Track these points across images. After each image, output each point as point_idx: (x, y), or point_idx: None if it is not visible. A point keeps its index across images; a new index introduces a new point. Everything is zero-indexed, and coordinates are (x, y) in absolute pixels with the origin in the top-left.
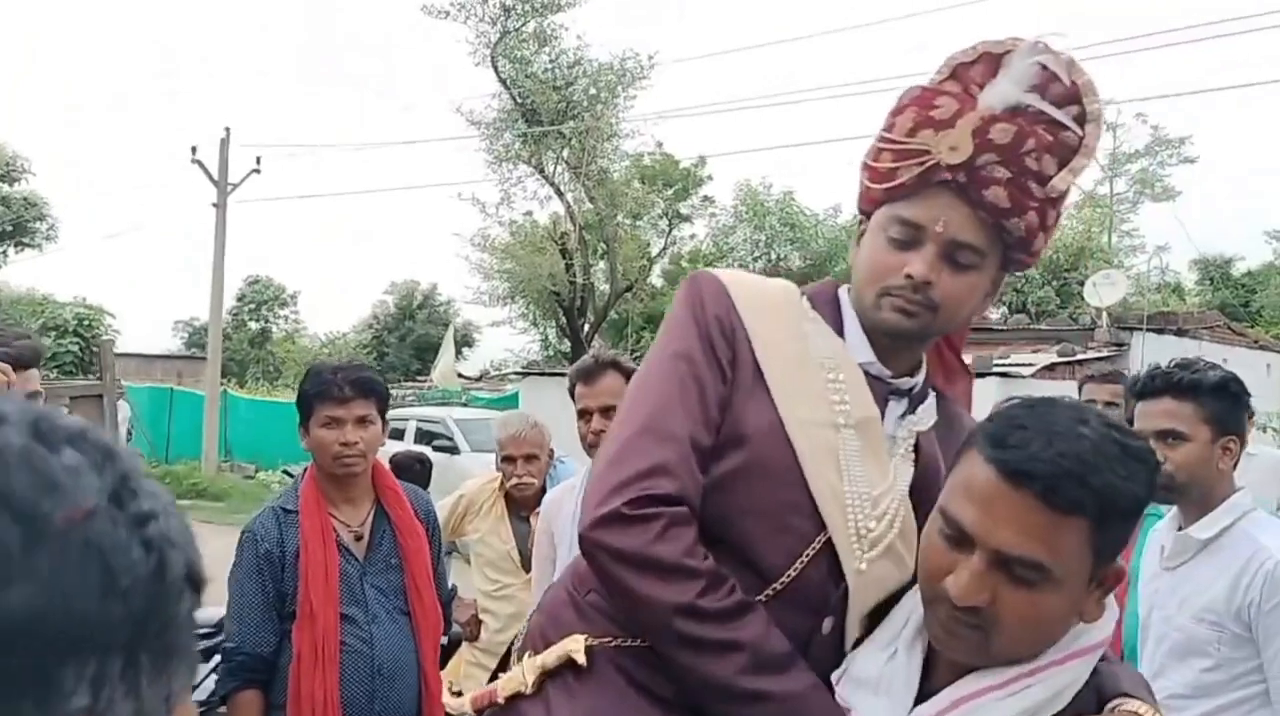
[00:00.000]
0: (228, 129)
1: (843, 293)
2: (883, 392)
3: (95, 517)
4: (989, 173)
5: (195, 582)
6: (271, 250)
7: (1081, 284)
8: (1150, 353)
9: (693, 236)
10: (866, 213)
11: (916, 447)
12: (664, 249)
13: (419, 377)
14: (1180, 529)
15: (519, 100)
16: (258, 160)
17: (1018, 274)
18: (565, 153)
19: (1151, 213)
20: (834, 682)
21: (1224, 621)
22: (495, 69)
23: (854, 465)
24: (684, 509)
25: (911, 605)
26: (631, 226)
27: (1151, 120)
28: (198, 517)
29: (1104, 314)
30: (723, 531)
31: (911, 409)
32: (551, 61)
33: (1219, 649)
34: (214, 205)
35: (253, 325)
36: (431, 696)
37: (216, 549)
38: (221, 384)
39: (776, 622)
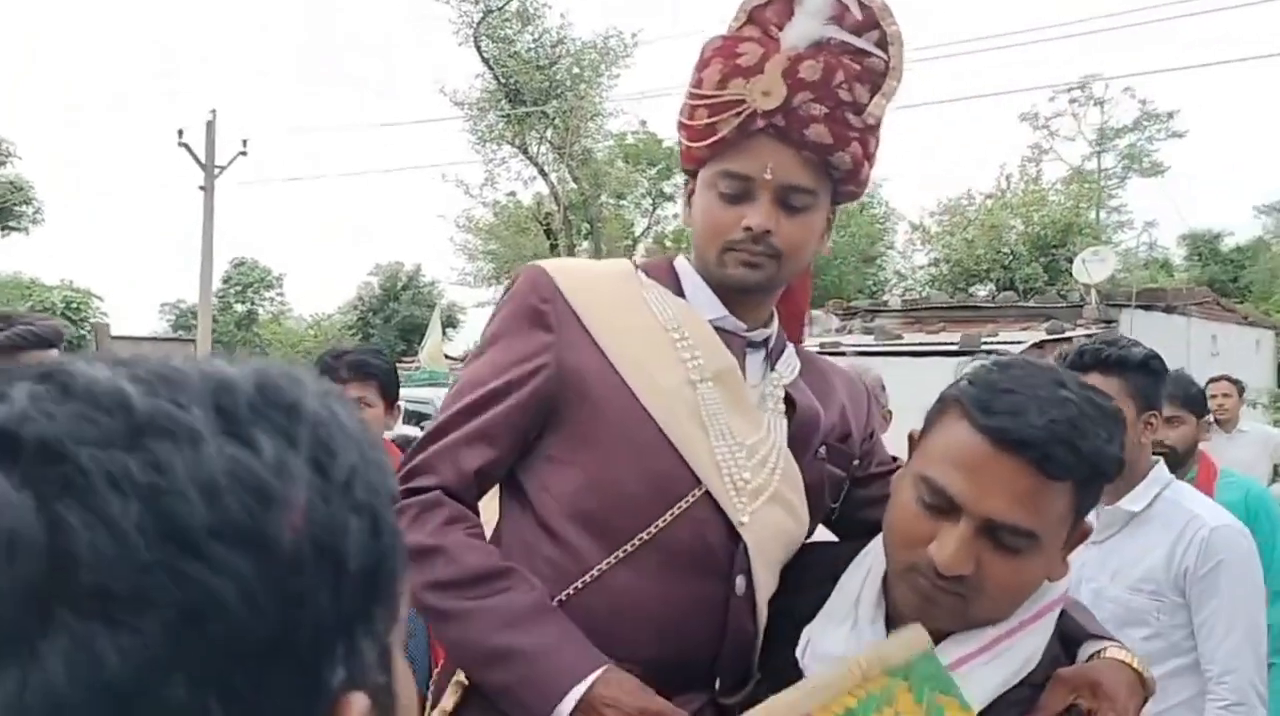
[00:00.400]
0: (214, 112)
1: (680, 261)
2: (739, 346)
3: (312, 510)
4: (806, 111)
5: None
6: (257, 233)
7: (1070, 261)
8: (1139, 329)
9: (676, 215)
10: (691, 172)
11: (789, 401)
12: (648, 228)
13: (405, 359)
14: (1105, 503)
15: (502, 80)
16: (244, 143)
17: (1005, 251)
18: (549, 133)
19: (1140, 188)
20: (799, 659)
21: (1163, 590)
22: (478, 48)
23: (719, 418)
24: (433, 494)
25: (864, 571)
26: (615, 206)
27: (1139, 94)
28: None
29: (1092, 291)
30: (599, 505)
31: (771, 364)
32: (535, 41)
33: (1158, 617)
34: (201, 188)
35: (239, 307)
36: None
37: None
38: None
39: (685, 590)
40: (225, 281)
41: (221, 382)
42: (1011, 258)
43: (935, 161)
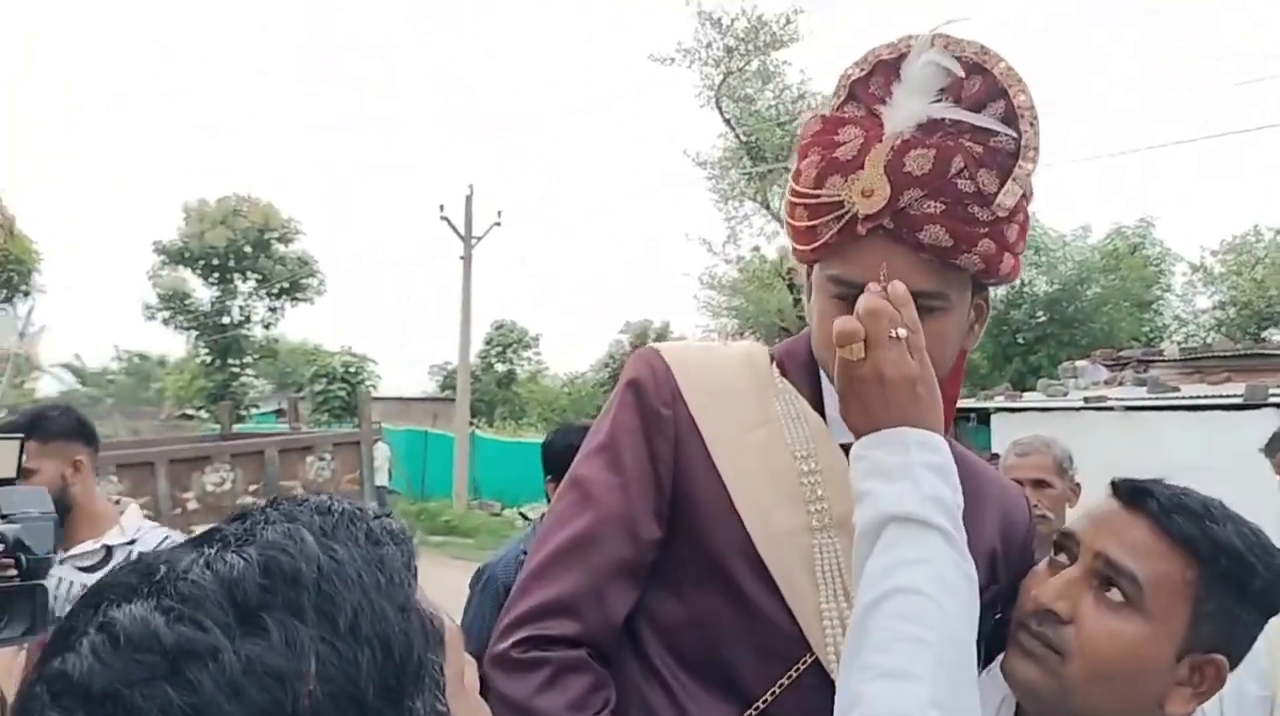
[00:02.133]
0: (471, 187)
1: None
2: None
3: (323, 668)
4: (918, 210)
5: (408, 606)
6: (516, 295)
7: None
8: None
9: None
10: (805, 264)
11: None
12: None
13: None
14: None
15: (743, 139)
16: (499, 214)
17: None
18: None
19: None
20: None
21: None
22: (719, 109)
23: (839, 575)
24: (578, 653)
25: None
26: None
27: None
28: (450, 553)
29: None
30: (702, 649)
31: None
32: (775, 98)
33: None
34: (461, 258)
35: (499, 367)
36: None
37: (464, 584)
38: (471, 424)
39: None
40: (487, 342)
41: (233, 581)
42: None
43: (1214, 197)
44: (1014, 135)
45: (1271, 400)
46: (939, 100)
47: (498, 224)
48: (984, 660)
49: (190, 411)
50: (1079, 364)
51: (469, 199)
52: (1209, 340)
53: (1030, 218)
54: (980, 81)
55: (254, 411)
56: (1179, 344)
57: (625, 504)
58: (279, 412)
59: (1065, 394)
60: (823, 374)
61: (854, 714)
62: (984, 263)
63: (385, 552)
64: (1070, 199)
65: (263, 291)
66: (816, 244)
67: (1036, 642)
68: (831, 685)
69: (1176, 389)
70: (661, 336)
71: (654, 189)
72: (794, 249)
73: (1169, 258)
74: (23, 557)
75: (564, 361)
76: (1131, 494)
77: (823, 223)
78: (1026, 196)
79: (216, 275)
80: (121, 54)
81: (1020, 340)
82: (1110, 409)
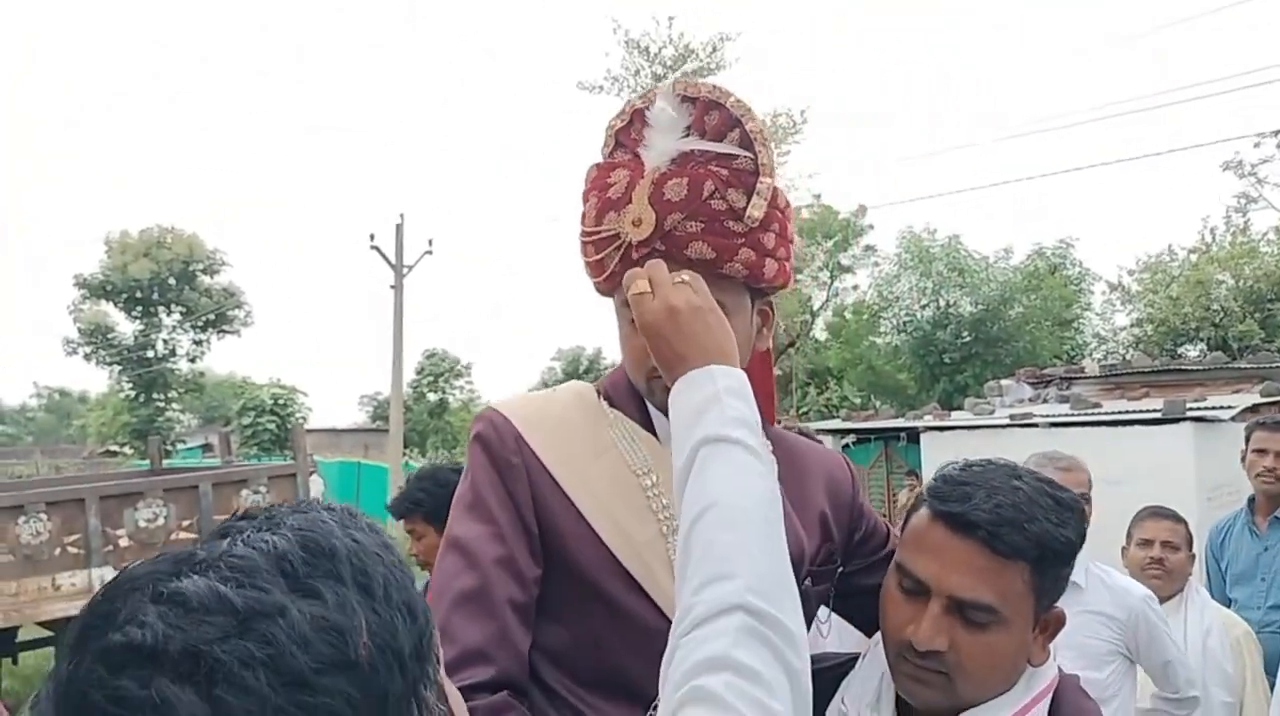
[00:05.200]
0: (402, 215)
1: None
2: None
3: (371, 627)
4: (682, 231)
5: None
6: (447, 324)
7: None
8: None
9: (855, 287)
10: (604, 295)
11: None
12: (826, 301)
13: None
14: None
15: None
16: (429, 243)
17: (1214, 308)
18: None
19: None
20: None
21: None
22: None
23: None
24: (500, 696)
25: (879, 667)
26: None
27: None
28: None
29: None
30: (593, 664)
31: None
32: None
33: None
34: (391, 287)
35: (431, 397)
36: None
37: None
38: (404, 454)
39: None
40: (419, 372)
41: (278, 555)
42: (1222, 315)
43: (1130, 218)
44: (751, 156)
45: (1189, 414)
46: (686, 136)
47: (429, 252)
48: (829, 604)
49: (114, 447)
50: (1004, 382)
51: (399, 228)
52: (1128, 357)
53: (790, 227)
54: (718, 115)
55: (180, 446)
56: (1099, 361)
57: (504, 550)
58: (205, 447)
59: (992, 412)
60: (646, 398)
61: (684, 623)
62: (748, 269)
63: (387, 538)
64: (991, 222)
65: (188, 324)
66: (605, 274)
67: (925, 672)
68: None
69: (1098, 405)
70: (594, 363)
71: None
72: (594, 285)
73: (1088, 277)
74: None
75: (497, 389)
76: (958, 525)
77: (606, 254)
78: (781, 209)
79: (140, 308)
80: (313, 163)
81: (947, 360)
82: (1035, 425)
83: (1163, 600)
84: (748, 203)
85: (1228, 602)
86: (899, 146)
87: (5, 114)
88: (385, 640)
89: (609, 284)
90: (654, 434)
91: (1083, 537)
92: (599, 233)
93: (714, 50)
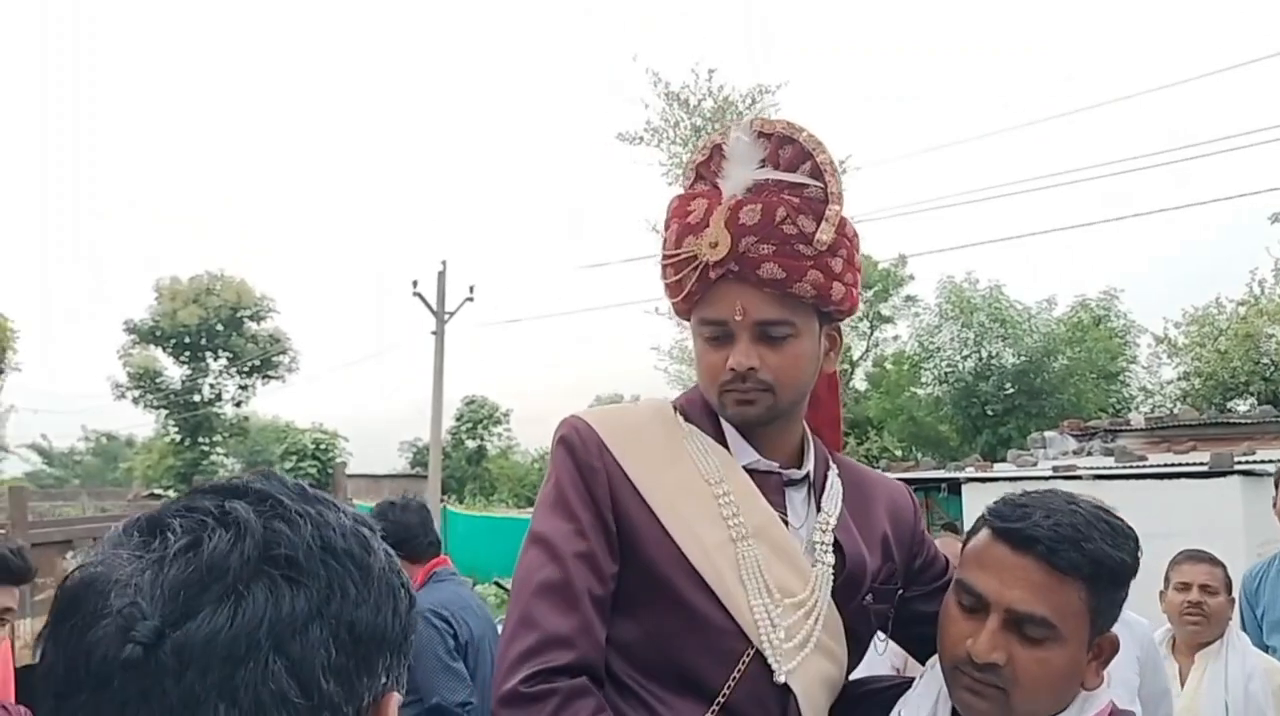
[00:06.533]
0: (444, 262)
1: None
2: (777, 486)
3: (385, 567)
4: (755, 253)
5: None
6: (487, 372)
7: None
8: None
9: (896, 337)
10: (682, 316)
11: (838, 546)
12: (866, 352)
13: None
14: None
15: None
16: (471, 289)
17: (1264, 361)
18: None
19: None
20: None
21: None
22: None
23: (757, 576)
24: (580, 681)
25: (935, 686)
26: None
27: None
28: None
29: None
30: (662, 659)
31: (816, 500)
32: None
33: None
34: (433, 333)
35: (469, 444)
36: None
37: None
38: (442, 501)
39: None
40: (458, 418)
41: (289, 486)
42: (1273, 368)
43: (1176, 268)
44: (822, 186)
45: (1237, 467)
46: (762, 167)
47: (470, 299)
48: (892, 624)
49: (159, 491)
50: (1048, 434)
51: (441, 274)
52: (1175, 410)
53: (857, 256)
54: (791, 149)
55: None
56: (1145, 414)
57: (585, 545)
58: None
59: (1035, 464)
60: (719, 412)
61: None
62: (816, 290)
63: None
64: (1034, 272)
65: (234, 369)
66: (684, 294)
67: (982, 686)
68: (770, 672)
69: (1143, 458)
70: None
71: (621, 263)
72: (673, 307)
73: (1133, 329)
74: None
75: (535, 437)
76: (1017, 541)
77: (684, 275)
78: (849, 237)
79: (188, 353)
80: (361, 209)
81: (989, 412)
82: (1079, 477)
83: (1203, 645)
84: (817, 228)
85: (1265, 649)
86: (940, 192)
87: (62, 159)
88: (391, 583)
89: (686, 303)
90: (726, 447)
91: (1137, 563)
92: (678, 255)
93: (753, 102)
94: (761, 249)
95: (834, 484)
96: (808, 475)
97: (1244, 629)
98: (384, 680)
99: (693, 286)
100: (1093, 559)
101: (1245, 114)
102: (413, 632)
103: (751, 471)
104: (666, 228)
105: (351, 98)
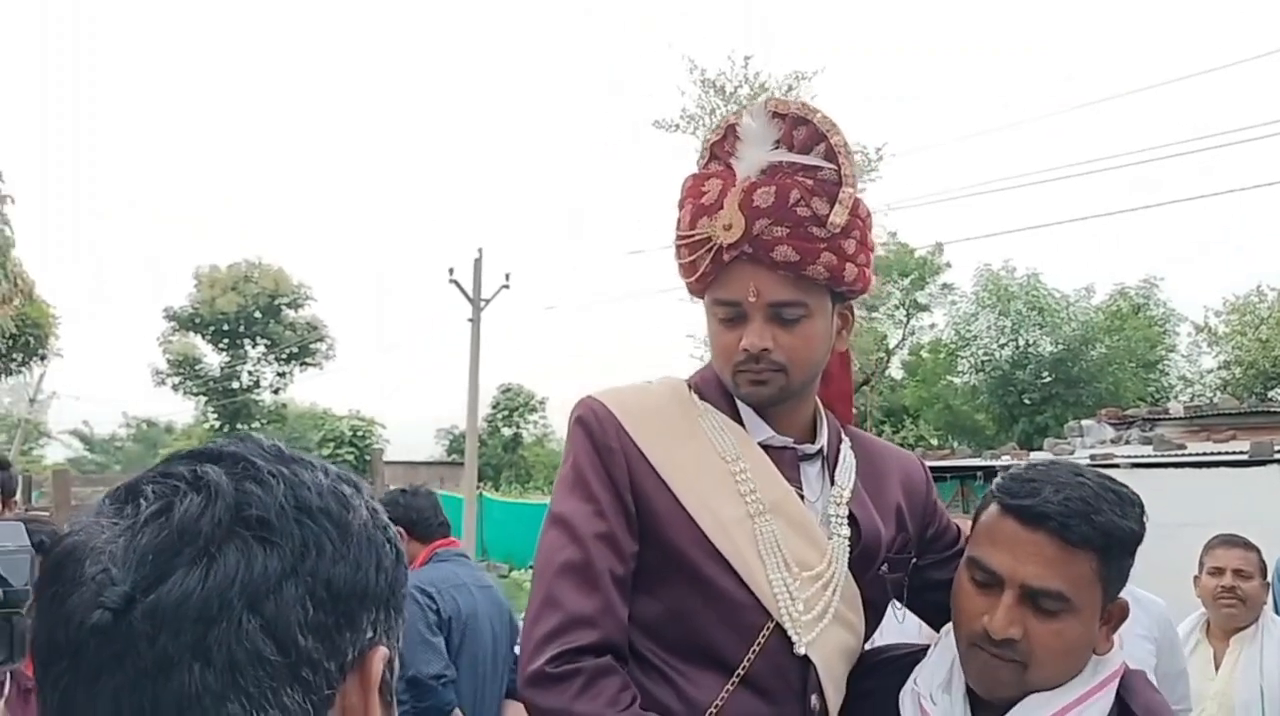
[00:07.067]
0: (480, 250)
1: None
2: (792, 461)
3: (367, 523)
4: (769, 235)
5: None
6: (522, 359)
7: None
8: None
9: (933, 326)
10: (696, 296)
11: (853, 518)
12: (902, 339)
13: None
14: None
15: None
16: (506, 277)
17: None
18: None
19: None
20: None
21: None
22: None
23: (776, 550)
24: (605, 659)
25: (948, 655)
26: (868, 318)
27: None
28: None
29: None
30: (683, 635)
31: (830, 474)
32: None
33: None
34: (469, 320)
35: (505, 431)
36: None
37: None
38: (478, 487)
39: (767, 713)
40: (494, 406)
41: (329, 466)
42: None
43: (1216, 255)
44: (835, 168)
45: (1277, 456)
46: (776, 148)
47: (506, 287)
48: (907, 592)
49: None
50: (1085, 423)
51: (478, 262)
52: (1215, 400)
53: (870, 236)
54: (805, 130)
55: None
56: (1185, 403)
57: (605, 526)
58: None
59: (1072, 452)
60: (733, 391)
61: None
62: (829, 272)
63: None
64: (1072, 260)
65: (272, 356)
66: (697, 275)
67: (1000, 660)
68: (790, 644)
69: (1182, 446)
70: None
71: (658, 250)
72: (687, 286)
73: (1173, 318)
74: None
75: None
76: (1029, 517)
77: (698, 256)
78: (862, 218)
79: (226, 341)
80: (398, 196)
81: (1026, 401)
82: (1116, 466)
83: (1238, 629)
84: (830, 210)
85: None
86: (978, 179)
87: (100, 144)
88: (373, 540)
89: (700, 284)
90: (741, 424)
91: (1144, 529)
92: (692, 236)
93: (789, 89)
94: (775, 231)
95: (847, 457)
96: (821, 449)
97: (1277, 613)
98: (370, 634)
99: (706, 267)
100: (1103, 531)
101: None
102: (402, 586)
103: (766, 447)
104: (680, 208)
105: (392, 88)
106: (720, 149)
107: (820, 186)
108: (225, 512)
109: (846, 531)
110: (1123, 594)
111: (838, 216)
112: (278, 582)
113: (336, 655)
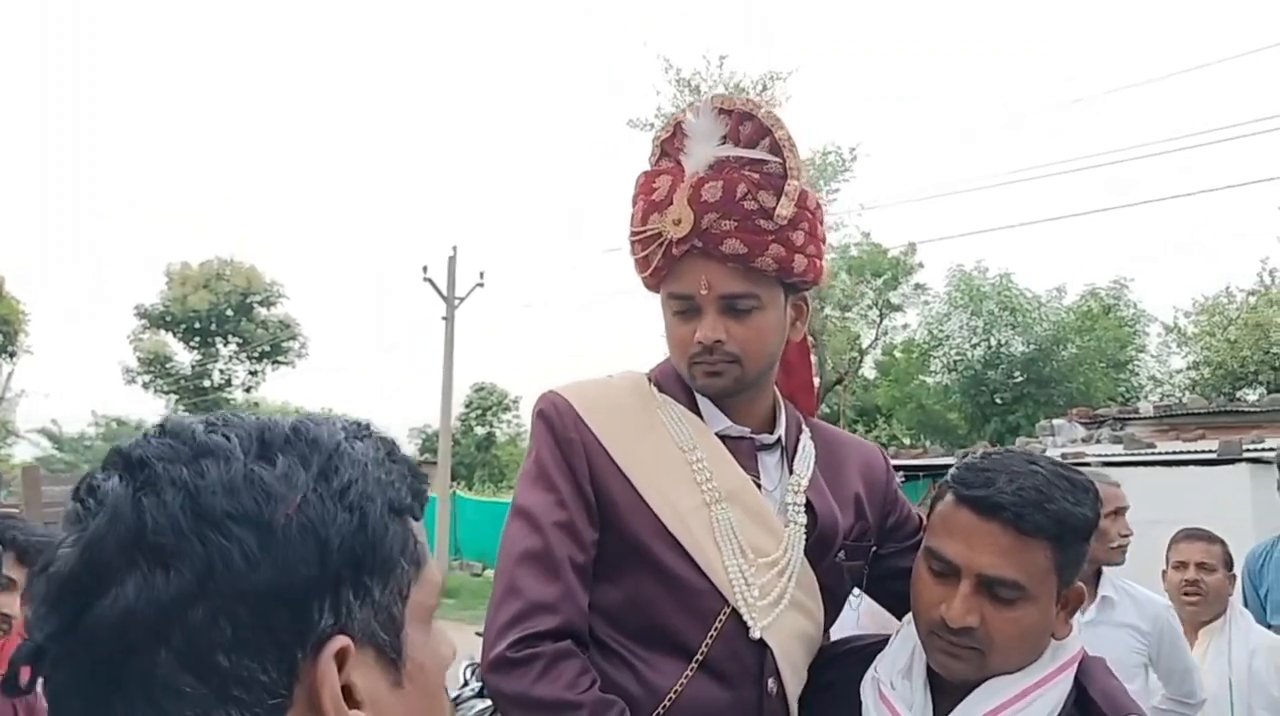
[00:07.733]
0: (455, 248)
1: None
2: (749, 451)
3: (305, 504)
4: (717, 229)
5: (401, 510)
6: (497, 357)
7: None
8: None
9: (905, 326)
10: (651, 290)
11: (810, 506)
12: (875, 339)
13: None
14: None
15: None
16: (481, 275)
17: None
18: None
19: None
20: (862, 691)
21: None
22: None
23: (732, 537)
24: (565, 644)
25: (909, 643)
26: (841, 318)
27: None
28: None
29: None
30: (642, 621)
31: (788, 463)
32: None
33: None
34: (443, 319)
35: (479, 430)
36: None
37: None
38: (451, 487)
39: (724, 697)
40: (467, 405)
41: (266, 426)
42: None
43: (1186, 258)
44: (780, 161)
45: (1245, 455)
46: (723, 144)
47: (480, 285)
48: (868, 580)
49: None
50: (1056, 422)
51: (452, 260)
52: (1184, 399)
53: (820, 228)
54: (751, 125)
55: None
56: (1154, 403)
57: (565, 515)
58: None
59: (1043, 451)
60: (689, 382)
61: None
62: (778, 264)
63: (396, 468)
64: (1043, 260)
65: (244, 355)
66: (650, 270)
67: (958, 648)
68: (746, 629)
69: (1152, 445)
70: None
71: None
72: (642, 281)
73: (1143, 318)
74: None
75: None
76: (983, 507)
77: (651, 251)
78: (810, 210)
79: (198, 339)
80: (371, 194)
81: (998, 400)
82: (1087, 465)
83: (1203, 624)
84: (777, 203)
85: (1269, 629)
86: (951, 180)
87: (68, 143)
88: (313, 523)
89: (654, 278)
90: (699, 415)
91: (1099, 516)
92: (644, 232)
93: (764, 89)
94: (723, 225)
95: (806, 447)
96: (780, 439)
97: (1247, 607)
98: (330, 620)
99: (659, 262)
100: (1057, 519)
101: (1258, 100)
102: (375, 552)
103: (724, 437)
104: (633, 204)
105: (362, 86)
106: (670, 146)
107: (766, 180)
108: (126, 535)
109: (803, 519)
110: (1121, 591)
111: (784, 209)
112: (181, 608)
113: (280, 662)
